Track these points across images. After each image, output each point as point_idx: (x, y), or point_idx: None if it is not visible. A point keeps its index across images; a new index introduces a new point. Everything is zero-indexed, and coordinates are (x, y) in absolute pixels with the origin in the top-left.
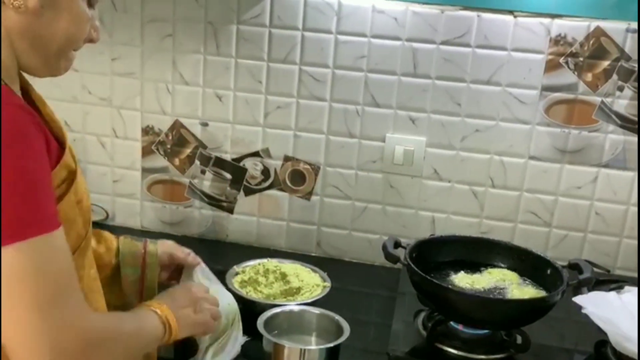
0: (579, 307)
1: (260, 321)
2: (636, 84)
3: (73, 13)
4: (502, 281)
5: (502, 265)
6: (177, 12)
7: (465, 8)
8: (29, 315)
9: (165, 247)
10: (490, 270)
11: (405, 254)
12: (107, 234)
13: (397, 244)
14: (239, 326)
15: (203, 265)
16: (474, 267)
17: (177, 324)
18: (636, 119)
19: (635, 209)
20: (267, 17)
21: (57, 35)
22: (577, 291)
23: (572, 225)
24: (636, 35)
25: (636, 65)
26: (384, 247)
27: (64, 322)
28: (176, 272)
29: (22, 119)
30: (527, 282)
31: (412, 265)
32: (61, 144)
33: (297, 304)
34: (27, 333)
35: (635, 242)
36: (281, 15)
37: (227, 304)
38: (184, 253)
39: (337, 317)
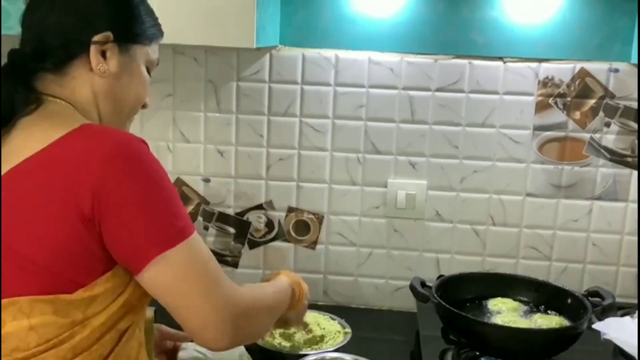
0: (591, 335)
1: None
2: (621, 120)
3: (141, 77)
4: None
5: (523, 299)
6: (177, 72)
7: (457, 56)
8: (201, 298)
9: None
10: (494, 301)
11: (432, 293)
12: None
13: (422, 284)
14: None
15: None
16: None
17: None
18: (624, 152)
19: (630, 237)
20: (267, 73)
21: (131, 96)
22: (598, 319)
23: (571, 257)
24: (618, 74)
25: (620, 102)
26: (413, 288)
27: (224, 298)
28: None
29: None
30: (533, 310)
31: (443, 303)
32: None
33: (327, 351)
34: (201, 312)
35: (632, 269)
36: (280, 70)
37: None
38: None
39: None
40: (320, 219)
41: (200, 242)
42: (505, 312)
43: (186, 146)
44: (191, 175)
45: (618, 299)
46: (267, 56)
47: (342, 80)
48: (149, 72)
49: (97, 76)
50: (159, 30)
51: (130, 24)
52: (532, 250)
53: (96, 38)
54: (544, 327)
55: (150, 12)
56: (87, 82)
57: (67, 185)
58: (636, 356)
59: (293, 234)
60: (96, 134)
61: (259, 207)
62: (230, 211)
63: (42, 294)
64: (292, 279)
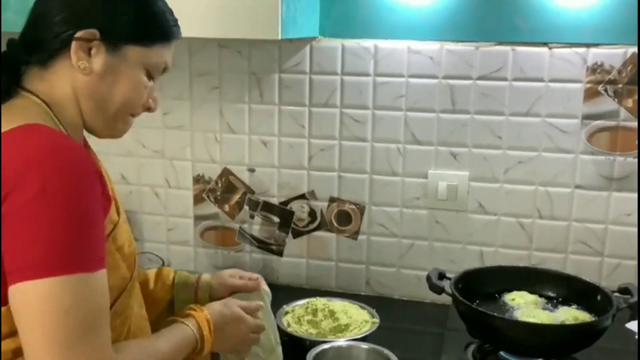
0: (626, 334)
1: (310, 357)
2: None
3: (132, 80)
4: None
5: (551, 294)
6: (223, 65)
7: (500, 43)
8: (53, 348)
9: (221, 279)
10: (511, 295)
11: (450, 285)
12: (166, 269)
13: (441, 276)
14: None
15: (266, 288)
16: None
17: (213, 336)
18: None
19: None
20: (307, 65)
21: (116, 98)
22: (632, 318)
23: (624, 253)
24: None
25: None
26: (428, 279)
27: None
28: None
29: (89, 166)
30: (558, 305)
31: (457, 295)
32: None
33: (346, 340)
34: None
35: None
36: (320, 62)
37: (273, 339)
38: (242, 280)
39: (386, 351)
40: (361, 209)
41: (90, 286)
42: (524, 306)
43: (232, 137)
44: (237, 165)
45: None
46: (308, 48)
47: (382, 70)
48: (151, 75)
49: (79, 73)
50: (164, 33)
51: (123, 24)
52: (582, 245)
53: (79, 34)
54: (563, 322)
55: (158, 13)
56: (68, 77)
57: None
58: None
59: (335, 224)
60: (25, 137)
61: (302, 196)
62: (275, 200)
63: None
64: (201, 320)
